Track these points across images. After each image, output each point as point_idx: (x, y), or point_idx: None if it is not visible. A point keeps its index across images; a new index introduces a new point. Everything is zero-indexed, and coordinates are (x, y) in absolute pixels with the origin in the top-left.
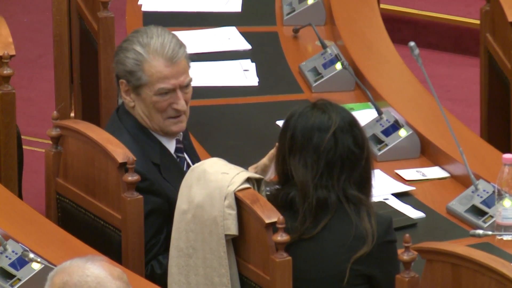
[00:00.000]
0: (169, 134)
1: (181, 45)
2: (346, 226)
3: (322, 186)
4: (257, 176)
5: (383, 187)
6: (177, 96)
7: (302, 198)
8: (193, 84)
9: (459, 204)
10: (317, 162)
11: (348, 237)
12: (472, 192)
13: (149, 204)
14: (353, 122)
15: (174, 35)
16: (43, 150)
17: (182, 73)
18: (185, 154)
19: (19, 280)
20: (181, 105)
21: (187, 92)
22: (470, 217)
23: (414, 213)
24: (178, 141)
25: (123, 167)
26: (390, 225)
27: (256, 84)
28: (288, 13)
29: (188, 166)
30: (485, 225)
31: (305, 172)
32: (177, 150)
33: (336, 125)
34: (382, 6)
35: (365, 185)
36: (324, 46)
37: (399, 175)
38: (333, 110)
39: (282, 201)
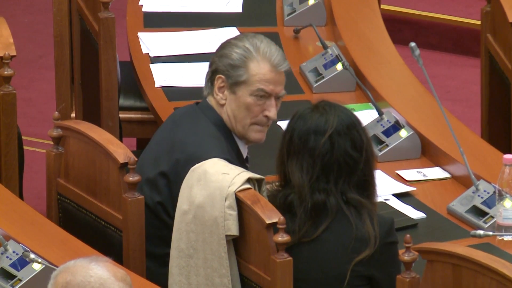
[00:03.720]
0: (248, 141)
1: (285, 59)
2: (347, 228)
3: (319, 189)
4: (257, 176)
5: (383, 187)
6: (271, 103)
7: (299, 201)
8: (193, 84)
9: (459, 205)
10: (312, 166)
11: (350, 240)
12: (473, 192)
13: None
14: (352, 125)
15: (279, 48)
16: (44, 151)
17: (281, 84)
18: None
19: (20, 280)
20: (273, 113)
21: (277, 104)
22: (471, 217)
23: (414, 214)
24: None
25: (124, 167)
26: (392, 226)
27: None
28: (289, 14)
29: None
30: (486, 226)
31: (301, 176)
32: (246, 159)
33: (332, 128)
34: (382, 6)
35: (366, 188)
36: (325, 47)
37: (400, 176)
38: (332, 112)
39: (281, 203)
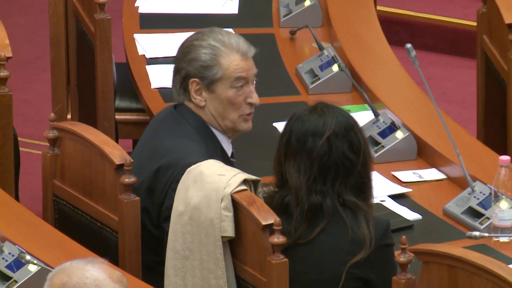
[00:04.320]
0: (236, 132)
1: (250, 44)
2: (343, 231)
3: (316, 191)
4: (253, 177)
5: (379, 188)
6: (250, 89)
7: (296, 202)
8: None
9: (455, 206)
10: (310, 167)
11: (345, 242)
12: (469, 193)
13: None
14: (350, 127)
15: (240, 35)
16: (40, 152)
17: (253, 66)
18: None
19: (16, 282)
20: (255, 98)
21: (253, 86)
22: (467, 218)
23: (410, 215)
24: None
25: (120, 168)
26: (387, 228)
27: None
28: (285, 15)
29: None
30: (482, 227)
31: (298, 177)
32: (231, 154)
33: (330, 130)
34: (378, 8)
35: (363, 190)
36: (321, 48)
37: (396, 177)
38: (330, 114)
39: (277, 204)
